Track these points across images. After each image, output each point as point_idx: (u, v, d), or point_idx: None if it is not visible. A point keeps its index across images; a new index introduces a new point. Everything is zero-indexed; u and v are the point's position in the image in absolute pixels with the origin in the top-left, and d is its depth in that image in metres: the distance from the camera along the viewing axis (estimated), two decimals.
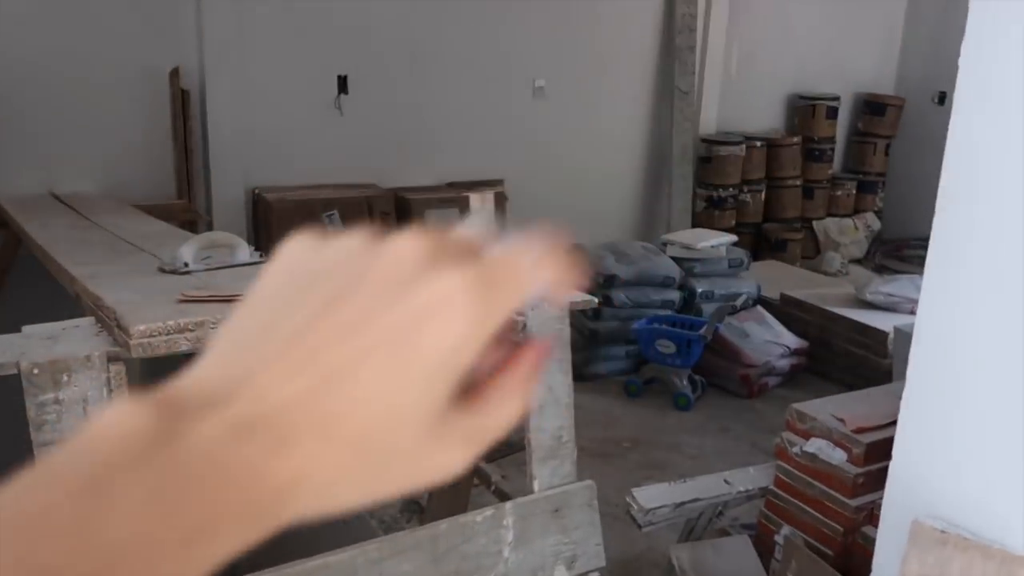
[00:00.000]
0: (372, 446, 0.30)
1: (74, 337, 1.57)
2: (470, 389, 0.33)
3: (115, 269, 2.06)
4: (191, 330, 1.51)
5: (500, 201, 5.32)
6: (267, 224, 4.49)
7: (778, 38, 6.49)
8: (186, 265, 1.95)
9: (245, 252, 2.09)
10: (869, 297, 3.95)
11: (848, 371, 3.79)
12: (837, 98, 6.71)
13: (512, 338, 0.34)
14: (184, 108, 4.39)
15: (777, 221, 6.48)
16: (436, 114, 5.21)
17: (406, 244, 0.32)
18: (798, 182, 6.53)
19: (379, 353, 0.30)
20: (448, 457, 0.33)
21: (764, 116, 6.65)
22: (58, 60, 4.13)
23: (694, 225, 5.96)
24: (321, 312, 0.31)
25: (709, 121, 6.29)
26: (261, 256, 2.12)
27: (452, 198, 5.00)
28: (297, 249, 0.34)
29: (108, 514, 0.26)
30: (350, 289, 0.31)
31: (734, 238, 4.36)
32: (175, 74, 4.35)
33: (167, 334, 1.48)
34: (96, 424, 0.28)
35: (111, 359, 1.53)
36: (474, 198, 4.14)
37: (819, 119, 6.62)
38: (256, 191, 4.66)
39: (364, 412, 0.30)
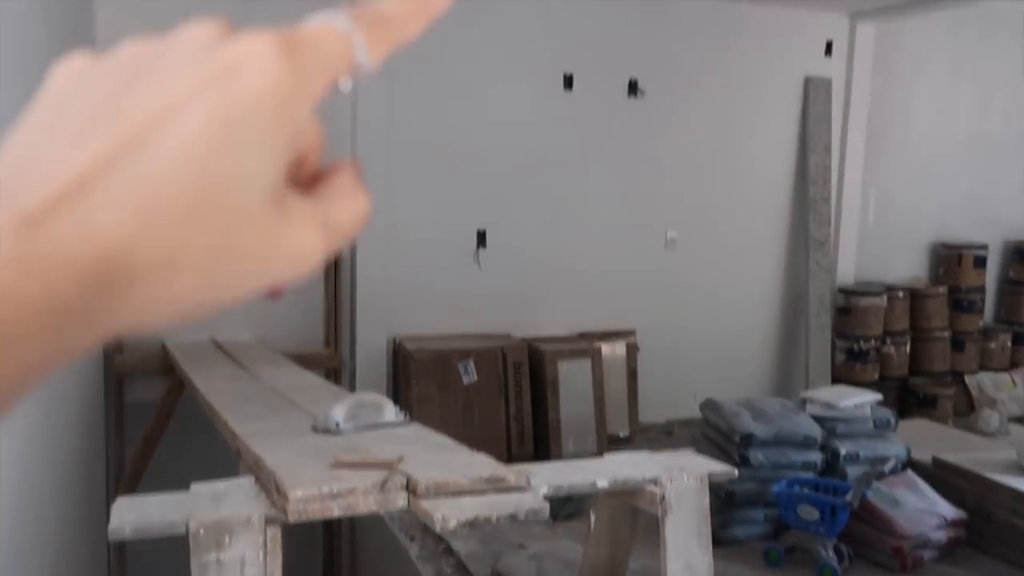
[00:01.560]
0: (203, 213, 0.27)
1: (236, 498, 1.67)
2: (310, 178, 0.33)
3: (272, 426, 2.20)
4: (343, 496, 1.58)
5: (632, 352, 5.33)
6: (406, 373, 4.66)
7: (917, 186, 6.39)
8: (337, 425, 2.07)
9: (391, 412, 2.19)
10: None
11: (1012, 546, 3.47)
12: (985, 246, 6.45)
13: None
14: (336, 260, 4.71)
15: (924, 375, 6.16)
16: (569, 265, 5.35)
17: (198, 26, 0.30)
18: (946, 334, 6.23)
19: (188, 108, 0.27)
20: (300, 238, 0.30)
21: (905, 265, 6.46)
22: None
23: (834, 379, 5.75)
24: (111, 95, 0.28)
25: (847, 271, 6.17)
26: (406, 416, 2.22)
27: (584, 349, 5.05)
28: (70, 65, 0.30)
29: None
30: (142, 73, 0.28)
31: (879, 396, 4.16)
32: None
33: (321, 500, 1.56)
34: None
35: (268, 522, 1.62)
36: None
37: (966, 268, 6.37)
38: (397, 340, 4.88)
39: (186, 174, 0.27)
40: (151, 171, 0.27)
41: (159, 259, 0.27)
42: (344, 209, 0.32)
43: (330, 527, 4.55)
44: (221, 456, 2.66)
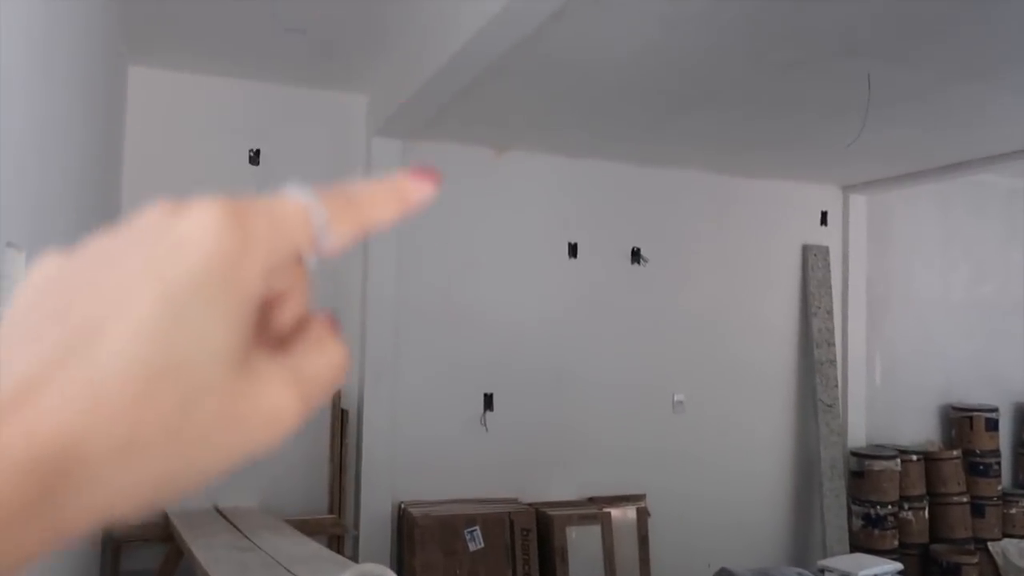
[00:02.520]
0: (158, 395, 0.27)
1: None
2: (281, 337, 0.32)
3: None
4: None
5: (642, 516, 5.20)
6: (411, 539, 4.55)
7: (921, 348, 6.42)
8: None
9: None
10: None
11: None
12: (995, 409, 6.40)
13: (299, 285, 0.32)
14: (343, 427, 4.69)
15: (945, 541, 5.95)
16: (577, 430, 5.32)
17: (150, 211, 0.30)
18: (964, 499, 6.08)
19: (136, 293, 0.27)
20: (270, 399, 0.30)
21: (917, 428, 6.39)
22: None
23: (852, 546, 5.57)
24: (78, 283, 0.29)
25: (858, 434, 6.11)
26: None
27: (593, 514, 4.94)
28: (52, 261, 0.31)
29: None
30: (108, 255, 0.29)
31: (899, 567, 4.03)
32: (337, 395, 4.71)
33: None
34: None
35: None
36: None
37: (979, 431, 6.29)
38: (402, 505, 4.78)
39: (136, 363, 0.27)
40: (99, 367, 0.26)
41: (113, 446, 0.26)
42: (318, 363, 0.32)
43: None
44: None
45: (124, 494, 0.28)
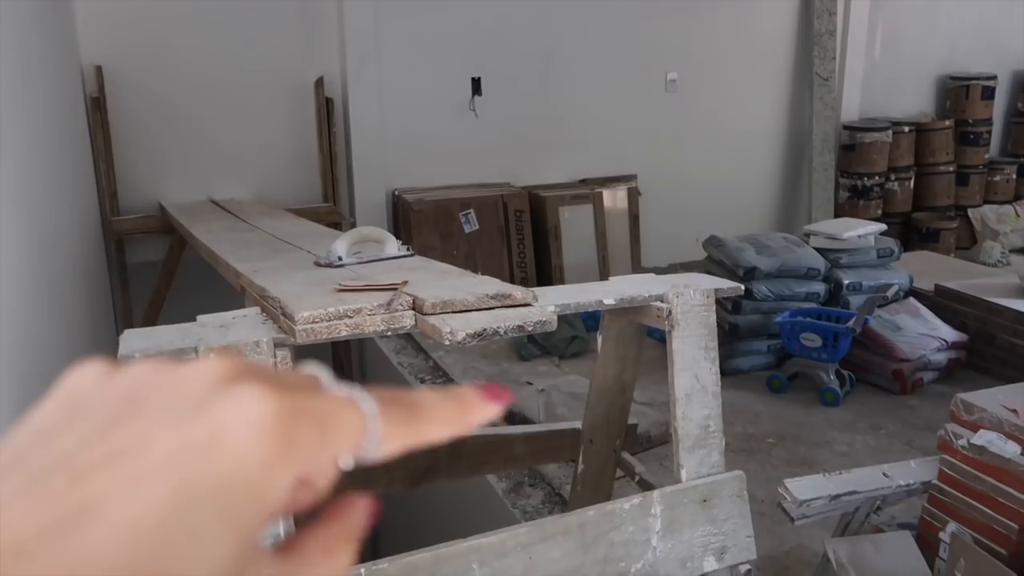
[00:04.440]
0: None
1: (244, 325, 1.67)
2: (287, 542, 0.30)
3: (275, 264, 2.18)
4: (350, 316, 1.57)
5: (633, 197, 5.28)
6: (407, 224, 4.63)
7: (925, 17, 6.15)
8: (340, 259, 2.05)
9: (393, 246, 2.17)
10: None
11: (1014, 366, 3.54)
12: (994, 77, 6.28)
13: (327, 489, 0.30)
14: (328, 116, 4.59)
15: (928, 210, 6.13)
16: (568, 112, 5.22)
17: (206, 364, 0.28)
18: (951, 168, 6.16)
19: (151, 482, 0.25)
20: None
21: (912, 100, 6.31)
22: (216, 74, 4.40)
23: (837, 217, 5.72)
24: (89, 438, 0.26)
25: (852, 108, 6.03)
26: (408, 249, 2.20)
27: (585, 194, 5.00)
28: (81, 377, 0.29)
29: None
30: (129, 414, 0.26)
31: (883, 227, 4.15)
32: (319, 84, 4.56)
33: (328, 320, 1.55)
34: None
35: (277, 345, 1.62)
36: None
37: (974, 100, 6.22)
38: (396, 193, 4.82)
39: (126, 555, 0.24)
40: (88, 550, 0.24)
41: None
42: (318, 573, 0.29)
43: (339, 374, 4.65)
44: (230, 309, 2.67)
45: None
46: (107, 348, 3.90)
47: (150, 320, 3.98)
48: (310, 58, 4.57)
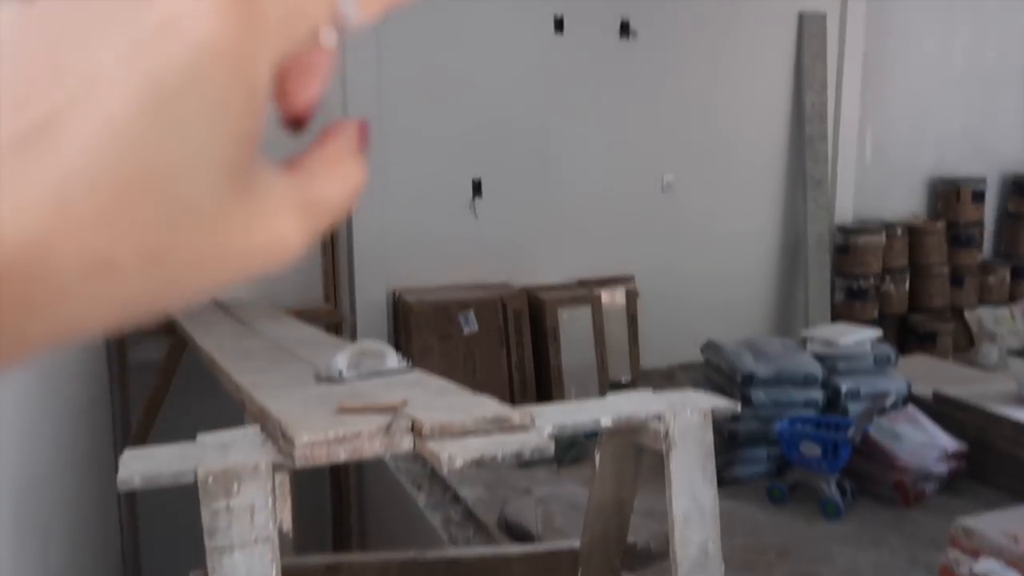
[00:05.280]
0: (136, 207, 0.23)
1: (243, 446, 1.67)
2: (290, 160, 0.28)
3: (275, 378, 2.20)
4: (349, 440, 1.58)
5: (631, 298, 5.33)
6: (407, 325, 4.66)
7: (914, 122, 6.33)
8: (340, 374, 2.07)
9: (393, 359, 2.19)
10: None
11: (1012, 476, 3.51)
12: (983, 179, 6.42)
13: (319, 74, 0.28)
14: None
15: (924, 311, 6.18)
16: (566, 212, 5.33)
17: None
18: (945, 270, 6.23)
19: (110, 85, 0.22)
20: (271, 226, 0.26)
21: (904, 202, 6.43)
22: None
23: (834, 318, 5.77)
24: (38, 48, 0.23)
25: (845, 209, 6.15)
26: (408, 362, 2.22)
27: (583, 296, 5.05)
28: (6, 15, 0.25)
29: None
30: (77, 16, 0.23)
31: (878, 333, 4.18)
32: None
33: (328, 444, 1.56)
34: None
35: (276, 468, 1.63)
36: None
37: (964, 202, 6.34)
38: (396, 293, 4.87)
39: (109, 157, 0.22)
40: (63, 162, 0.22)
41: (84, 264, 0.23)
42: (331, 186, 0.28)
43: (338, 481, 4.60)
44: (226, 414, 2.67)
45: (95, 312, 0.24)
46: (104, 450, 3.87)
47: (146, 424, 3.96)
48: None
